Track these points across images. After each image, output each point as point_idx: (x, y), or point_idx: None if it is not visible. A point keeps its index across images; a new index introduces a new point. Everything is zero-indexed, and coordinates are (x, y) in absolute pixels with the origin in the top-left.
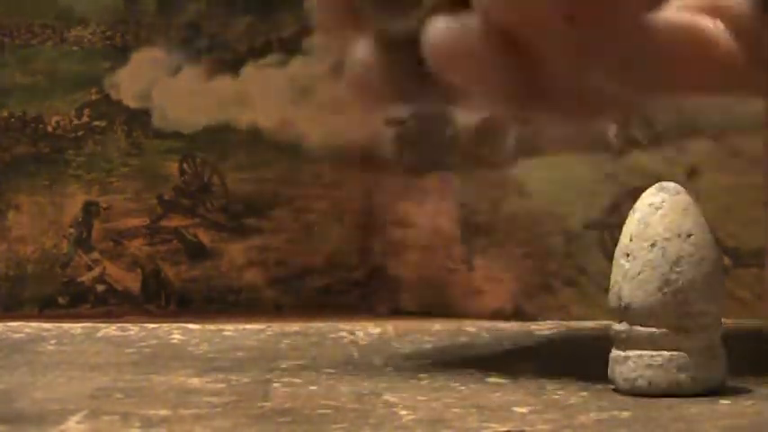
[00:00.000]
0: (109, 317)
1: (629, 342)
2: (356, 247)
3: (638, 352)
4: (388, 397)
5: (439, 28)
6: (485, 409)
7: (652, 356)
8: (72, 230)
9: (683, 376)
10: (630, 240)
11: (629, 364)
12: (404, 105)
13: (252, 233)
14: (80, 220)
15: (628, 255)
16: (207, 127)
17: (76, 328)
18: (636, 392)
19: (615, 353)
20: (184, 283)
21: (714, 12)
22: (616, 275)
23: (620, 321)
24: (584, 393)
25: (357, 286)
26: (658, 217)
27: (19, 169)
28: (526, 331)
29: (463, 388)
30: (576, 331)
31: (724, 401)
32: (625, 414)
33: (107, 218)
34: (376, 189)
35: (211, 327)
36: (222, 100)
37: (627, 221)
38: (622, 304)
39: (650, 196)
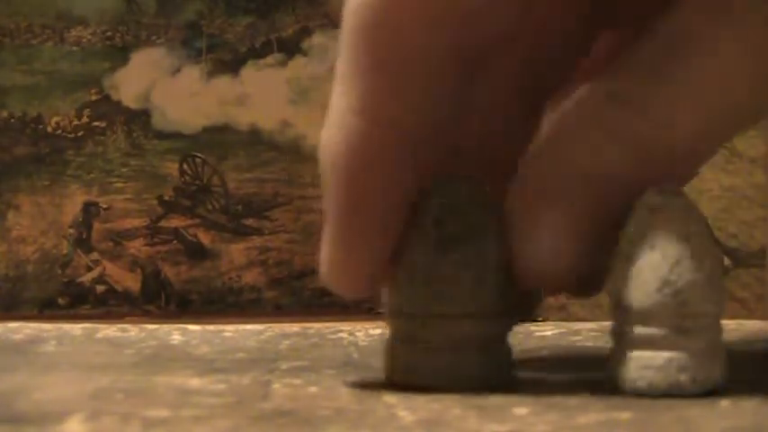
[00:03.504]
0: (109, 317)
1: (628, 343)
2: None
3: (638, 353)
4: (387, 398)
5: None
6: (485, 409)
7: (652, 357)
8: (72, 231)
9: (683, 377)
10: (630, 241)
11: (628, 364)
12: None
13: (252, 233)
14: (80, 220)
15: (627, 256)
16: (207, 127)
17: (76, 328)
18: (636, 393)
19: (614, 354)
20: (184, 283)
21: None
22: (615, 276)
23: (620, 322)
24: (585, 394)
25: None
26: (658, 218)
27: (19, 169)
28: (526, 331)
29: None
30: (576, 331)
31: (724, 402)
32: (625, 415)
33: (107, 218)
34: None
35: (211, 327)
36: (222, 100)
37: (626, 222)
38: (622, 305)
39: (650, 197)
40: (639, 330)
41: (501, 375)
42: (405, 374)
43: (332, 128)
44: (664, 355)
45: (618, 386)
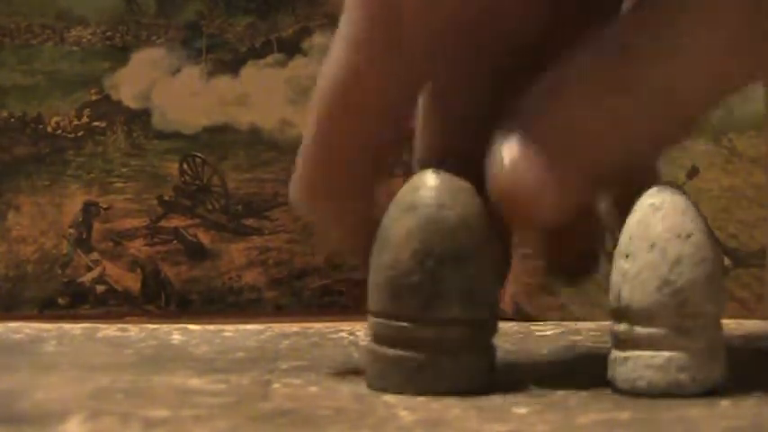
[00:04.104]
0: (109, 317)
1: (628, 343)
2: None
3: (638, 352)
4: (387, 398)
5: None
6: (485, 409)
7: (652, 357)
8: (72, 231)
9: (682, 376)
10: (630, 240)
11: (628, 364)
12: None
13: (252, 233)
14: (80, 220)
15: (627, 255)
16: (207, 127)
17: (76, 328)
18: (635, 393)
19: (614, 354)
20: (184, 283)
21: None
22: (616, 276)
23: (620, 322)
24: (585, 393)
25: (357, 286)
26: (658, 217)
27: (19, 169)
28: (526, 331)
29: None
30: (576, 331)
31: (724, 402)
32: (625, 415)
33: (107, 218)
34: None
35: (211, 327)
36: (222, 100)
37: (627, 222)
38: (622, 305)
39: (650, 197)
40: (639, 330)
41: (474, 381)
42: (379, 381)
43: (329, 57)
44: (664, 355)
45: (618, 386)
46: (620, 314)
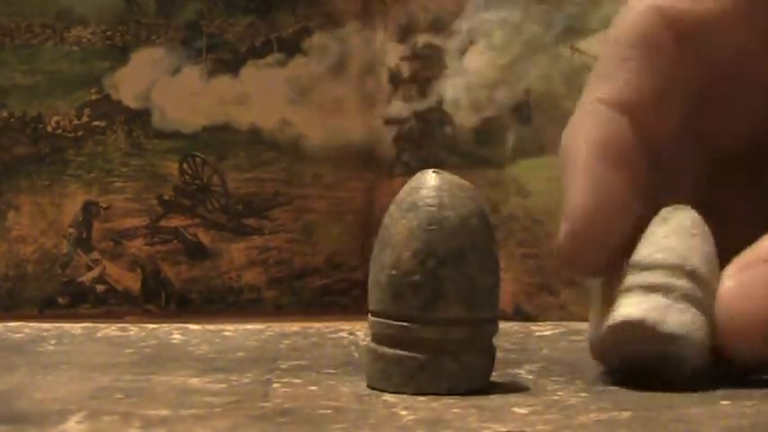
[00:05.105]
0: (109, 317)
1: (624, 291)
2: (356, 247)
3: (632, 294)
4: (387, 397)
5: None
6: (485, 409)
7: (642, 300)
8: (72, 230)
9: (655, 314)
10: (644, 239)
11: (623, 300)
12: None
13: (252, 233)
14: (80, 220)
15: (665, 219)
16: (207, 127)
17: (76, 328)
18: (615, 324)
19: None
20: (184, 283)
21: None
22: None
23: (633, 273)
24: (585, 393)
25: (357, 286)
26: (670, 222)
27: (19, 169)
28: (526, 331)
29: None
30: (576, 331)
31: (724, 401)
32: (625, 414)
33: (107, 218)
34: (376, 189)
35: (211, 327)
36: (222, 100)
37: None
38: (630, 264)
39: (664, 211)
40: (638, 277)
41: (474, 382)
42: (379, 381)
43: (579, 113)
44: (657, 298)
45: (606, 325)
46: (636, 266)
